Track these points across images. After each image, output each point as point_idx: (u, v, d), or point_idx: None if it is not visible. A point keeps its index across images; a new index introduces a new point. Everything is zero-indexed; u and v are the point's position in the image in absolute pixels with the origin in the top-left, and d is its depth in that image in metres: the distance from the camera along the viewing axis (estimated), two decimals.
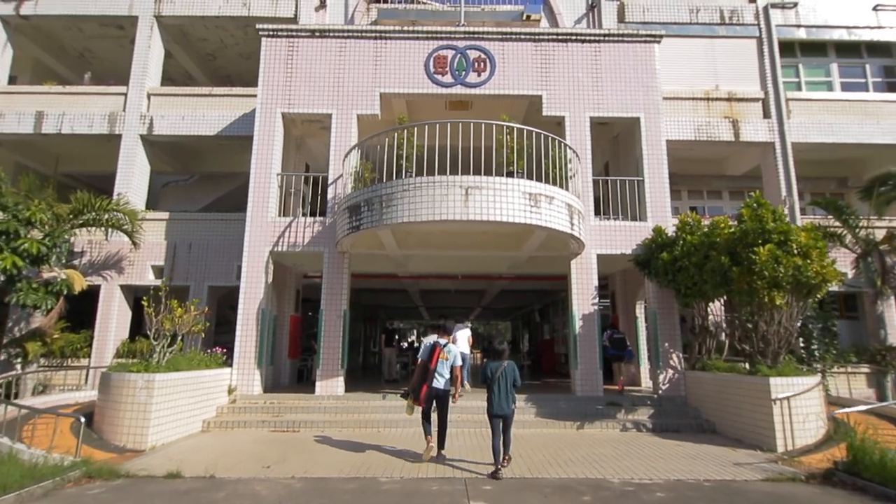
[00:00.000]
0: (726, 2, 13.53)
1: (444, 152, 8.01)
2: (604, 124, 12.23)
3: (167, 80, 14.69)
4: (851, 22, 13.41)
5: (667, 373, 9.48)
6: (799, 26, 13.46)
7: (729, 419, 7.93)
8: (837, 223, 10.76)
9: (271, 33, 10.70)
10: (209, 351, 9.36)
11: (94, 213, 10.17)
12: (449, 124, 8.31)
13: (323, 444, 7.19)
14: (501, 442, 5.90)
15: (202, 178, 15.71)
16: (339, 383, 9.30)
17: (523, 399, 9.15)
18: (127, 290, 11.87)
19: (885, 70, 13.74)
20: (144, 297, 7.87)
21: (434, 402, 6.35)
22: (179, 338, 7.84)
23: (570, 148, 9.15)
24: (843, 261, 11.02)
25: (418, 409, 6.42)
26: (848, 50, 13.69)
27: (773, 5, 13.42)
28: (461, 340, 10.58)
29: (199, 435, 7.89)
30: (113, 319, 11.49)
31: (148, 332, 7.77)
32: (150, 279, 11.70)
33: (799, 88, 13.49)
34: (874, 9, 13.45)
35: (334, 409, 8.75)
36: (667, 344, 9.57)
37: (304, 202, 11.46)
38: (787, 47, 13.49)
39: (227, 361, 9.41)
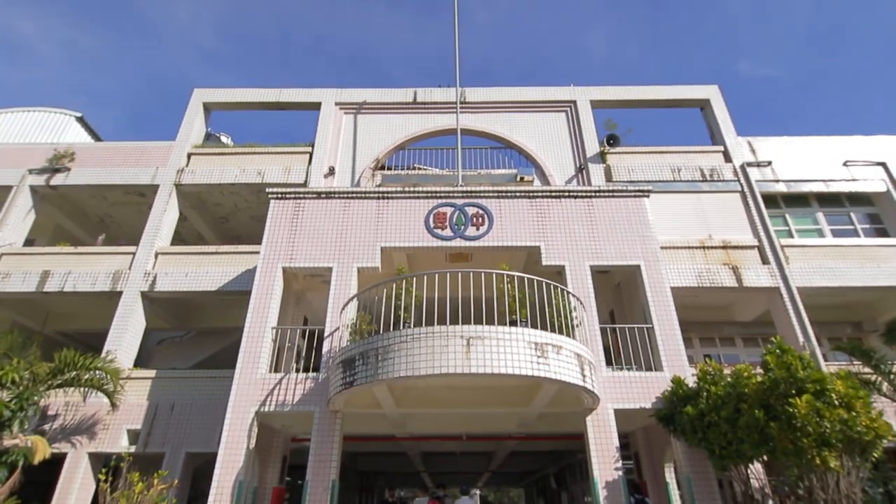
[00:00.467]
0: (705, 161, 14.60)
1: (444, 304, 7.77)
2: (605, 273, 12.27)
3: (179, 240, 15.29)
4: (827, 175, 14.28)
5: None
6: (777, 181, 14.29)
7: None
8: (867, 369, 10.02)
9: (279, 196, 11.32)
10: None
11: (74, 373, 9.60)
12: (448, 274, 8.22)
13: None
14: None
15: (199, 334, 15.38)
16: None
17: None
18: (96, 458, 10.71)
19: (870, 217, 14.24)
20: (103, 470, 6.95)
21: None
22: None
23: (573, 295, 8.93)
24: (886, 412, 10.01)
25: None
26: (830, 200, 14.36)
27: (749, 164, 14.44)
28: None
29: None
30: (73, 493, 10.16)
31: None
32: (122, 445, 10.64)
33: (790, 236, 13.82)
34: (844, 164, 14.43)
35: None
36: None
37: (300, 357, 10.92)
38: (771, 199, 14.16)
39: None
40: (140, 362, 12.55)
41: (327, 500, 8.25)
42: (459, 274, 8.11)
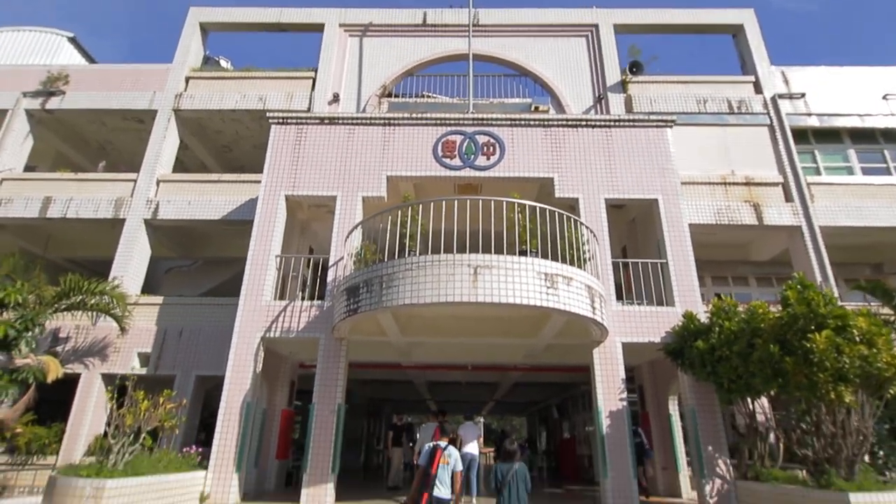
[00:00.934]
0: (733, 92, 13.68)
1: (451, 234, 7.46)
2: (619, 207, 11.83)
3: (182, 170, 14.90)
4: (863, 110, 13.37)
5: (713, 483, 8.05)
6: (810, 114, 13.43)
7: None
8: (887, 310, 9.75)
9: (281, 120, 10.80)
10: (185, 450, 8.25)
11: (80, 297, 9.60)
12: (456, 202, 7.86)
13: None
14: None
15: (205, 264, 15.37)
16: (327, 491, 8.00)
17: None
18: (109, 379, 10.93)
19: None
20: (108, 388, 7.02)
21: None
22: (143, 435, 6.83)
23: (587, 227, 8.58)
24: None
25: None
26: (863, 137, 13.52)
27: (781, 96, 13.52)
28: (470, 441, 9.64)
29: None
30: (89, 412, 10.47)
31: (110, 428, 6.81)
32: (134, 367, 10.85)
33: (818, 173, 13.14)
34: (884, 97, 13.47)
35: None
36: (710, 448, 8.24)
37: (305, 286, 10.84)
38: (801, 134, 13.36)
39: (203, 463, 8.24)
40: (148, 290, 12.61)
41: (333, 423, 8.39)
42: (468, 202, 7.75)
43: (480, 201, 7.80)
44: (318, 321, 9.07)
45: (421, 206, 7.90)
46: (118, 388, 7.81)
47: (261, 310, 9.20)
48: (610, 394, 8.58)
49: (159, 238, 12.94)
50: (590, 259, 8.58)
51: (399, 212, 8.00)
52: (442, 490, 5.62)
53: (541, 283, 6.99)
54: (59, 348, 11.02)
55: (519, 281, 6.89)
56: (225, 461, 8.22)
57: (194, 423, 10.88)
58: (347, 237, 8.90)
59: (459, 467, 5.84)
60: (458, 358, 10.98)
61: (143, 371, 10.87)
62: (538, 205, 7.79)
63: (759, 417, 8.28)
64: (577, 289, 7.34)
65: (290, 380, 11.15)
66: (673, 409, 10.26)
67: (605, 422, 8.39)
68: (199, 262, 15.48)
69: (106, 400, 10.83)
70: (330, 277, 9.36)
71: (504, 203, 7.64)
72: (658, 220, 9.96)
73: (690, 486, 9.68)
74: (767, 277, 14.22)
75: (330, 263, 9.44)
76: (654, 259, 9.80)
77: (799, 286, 7.02)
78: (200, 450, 8.34)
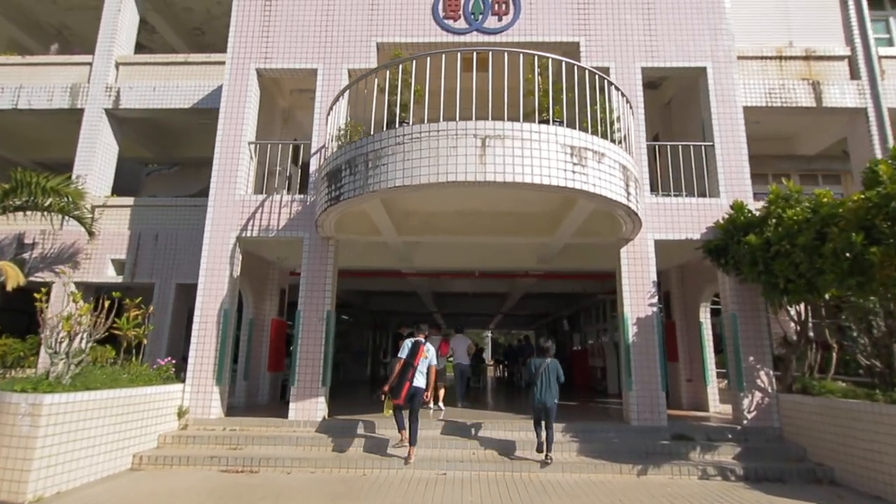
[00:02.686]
0: None
1: (454, 100, 5.92)
2: (653, 87, 10.06)
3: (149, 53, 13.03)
4: None
5: (752, 396, 7.10)
6: None
7: (857, 465, 5.54)
8: None
9: None
10: (158, 362, 7.40)
11: (30, 196, 8.36)
12: (460, 56, 6.21)
13: (287, 498, 5.05)
14: (545, 435, 6.17)
15: (187, 166, 13.98)
16: (318, 405, 7.19)
17: (560, 429, 6.91)
18: (85, 288, 10.03)
19: None
20: (41, 290, 5.98)
21: (411, 399, 6.23)
22: (88, 344, 5.85)
23: (621, 92, 6.91)
24: None
25: None
26: None
27: None
28: (460, 352, 10.00)
29: (123, 476, 5.85)
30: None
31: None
32: (109, 275, 9.86)
33: (891, 44, 11.04)
34: None
35: (309, 439, 6.64)
36: (752, 358, 7.21)
37: (290, 183, 9.50)
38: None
39: (181, 376, 7.42)
40: (128, 195, 11.34)
41: (322, 332, 7.42)
42: (475, 55, 6.08)
43: (490, 59, 6.14)
44: (302, 218, 7.82)
45: (415, 62, 6.26)
46: (96, 298, 6.87)
47: (234, 205, 7.93)
48: (638, 299, 7.43)
49: (128, 134, 11.45)
50: (623, 139, 7.02)
51: (388, 73, 6.40)
52: (420, 380, 6.29)
53: (566, 159, 5.55)
54: (25, 255, 10.00)
55: (538, 156, 5.45)
56: (203, 373, 7.38)
57: (179, 335, 10.06)
58: (330, 110, 7.32)
59: (434, 362, 6.55)
60: (464, 263, 9.83)
61: (120, 279, 9.90)
62: (565, 59, 6.11)
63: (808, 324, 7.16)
64: (609, 168, 5.89)
65: (280, 288, 10.16)
66: (703, 317, 9.18)
67: (631, 330, 7.32)
68: (179, 166, 14.07)
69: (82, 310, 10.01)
70: (313, 167, 7.97)
71: (520, 58, 5.96)
72: (704, 94, 8.26)
73: (719, 400, 8.84)
74: (813, 174, 12.57)
75: (312, 151, 8.01)
76: (696, 142, 8.21)
77: (891, 160, 5.52)
78: (174, 361, 7.48)
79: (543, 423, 6.16)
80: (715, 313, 9.53)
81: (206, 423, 7.14)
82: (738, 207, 7.18)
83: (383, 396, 6.27)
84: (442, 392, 9.27)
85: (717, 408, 8.76)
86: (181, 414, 7.15)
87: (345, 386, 13.54)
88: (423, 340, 6.49)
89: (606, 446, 6.54)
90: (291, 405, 7.19)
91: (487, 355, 37.03)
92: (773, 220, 6.65)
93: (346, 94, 7.26)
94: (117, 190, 10.72)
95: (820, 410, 6.25)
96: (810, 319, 7.24)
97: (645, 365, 7.18)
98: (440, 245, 9.26)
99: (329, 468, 6.07)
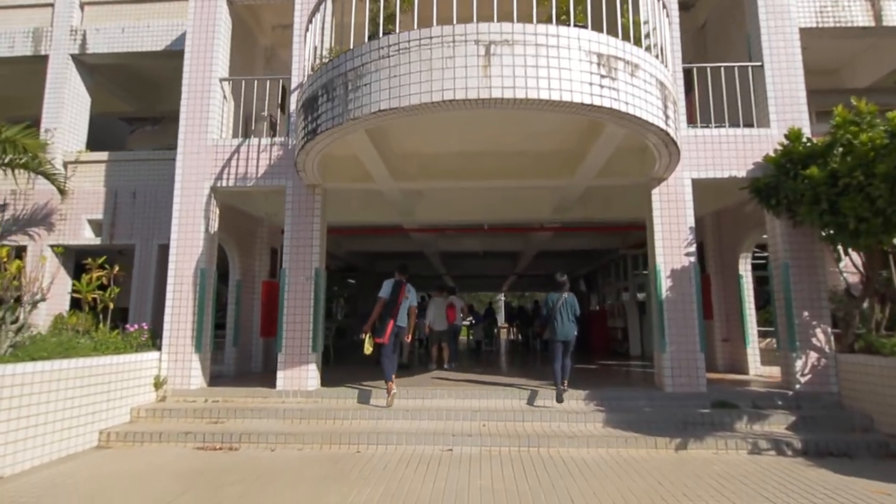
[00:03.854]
0: None
1: (450, 2, 4.78)
2: (686, 9, 8.75)
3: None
4: None
5: (807, 357, 6.14)
6: None
7: None
8: None
9: None
10: (126, 328, 6.63)
11: None
12: None
13: (264, 481, 4.28)
14: (561, 366, 6.09)
15: (170, 120, 12.92)
16: (309, 374, 6.40)
17: (583, 397, 6.07)
18: (65, 252, 9.28)
19: None
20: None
21: (395, 338, 6.27)
22: (26, 308, 5.05)
23: None
24: None
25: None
26: None
27: None
28: (457, 311, 9.91)
29: (86, 455, 5.14)
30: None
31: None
32: (86, 237, 9.06)
33: None
34: None
35: (298, 412, 5.88)
36: (807, 314, 6.20)
37: (274, 128, 8.48)
38: None
39: (157, 343, 6.67)
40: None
41: (311, 293, 6.56)
42: None
43: None
44: (284, 164, 6.85)
45: None
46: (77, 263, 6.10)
47: (207, 152, 6.97)
48: (672, 248, 6.41)
49: (102, 84, 10.45)
50: (660, 53, 5.83)
51: None
52: (403, 319, 6.32)
53: (591, 70, 4.45)
54: None
55: (557, 65, 4.35)
56: (181, 340, 6.60)
57: (162, 301, 9.33)
58: (307, 30, 6.17)
59: (415, 303, 6.62)
60: (472, 214, 8.82)
61: (98, 241, 9.11)
62: None
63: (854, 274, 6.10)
64: (644, 83, 4.77)
65: (271, 247, 9.30)
66: (743, 269, 8.14)
67: (664, 284, 6.34)
68: (165, 120, 13.07)
69: (62, 273, 9.28)
70: (293, 106, 6.93)
71: None
72: (751, 6, 6.97)
73: (760, 362, 7.90)
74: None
75: (293, 86, 6.95)
76: (740, 62, 6.98)
77: None
78: (147, 327, 6.71)
79: (562, 355, 6.10)
80: (756, 268, 8.49)
81: (185, 394, 6.42)
82: (794, 136, 6.03)
83: (364, 336, 6.20)
84: (446, 353, 9.39)
85: (758, 370, 7.83)
86: (158, 385, 6.43)
87: (351, 350, 12.88)
88: (404, 280, 6.43)
89: (637, 416, 5.67)
90: (279, 374, 6.41)
91: (501, 318, 36.50)
92: (841, 149, 5.53)
93: (327, 7, 6.12)
94: (100, 150, 9.80)
95: (891, 373, 5.28)
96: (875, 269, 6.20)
97: (681, 323, 6.23)
98: (443, 194, 8.29)
99: (319, 444, 5.31)
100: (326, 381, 6.94)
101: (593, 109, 4.49)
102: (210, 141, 6.98)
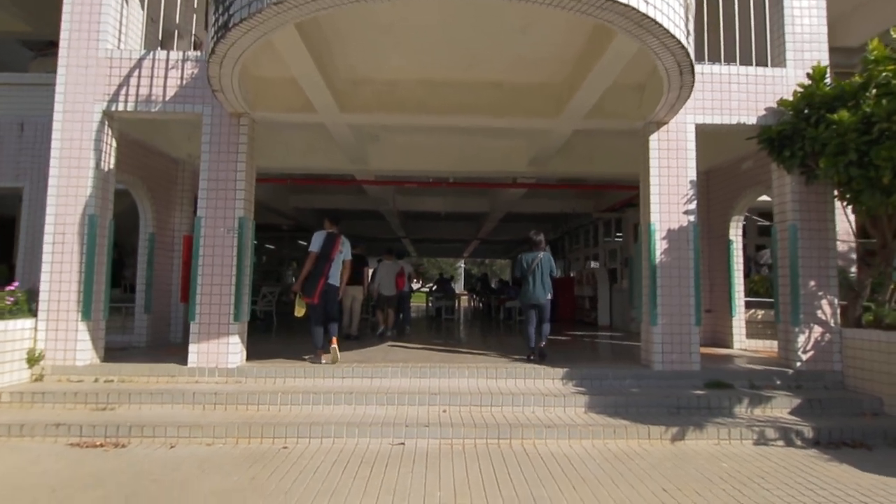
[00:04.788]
0: None
1: None
2: None
3: None
4: None
5: (810, 331, 5.43)
6: None
7: None
8: None
9: None
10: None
11: None
12: None
13: (134, 499, 3.12)
14: (536, 330, 5.88)
15: None
16: (230, 348, 5.19)
17: (560, 376, 5.18)
18: None
19: None
20: None
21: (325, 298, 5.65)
22: None
23: None
24: None
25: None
26: None
27: None
28: (407, 276, 8.98)
29: None
30: None
31: None
32: None
33: None
34: None
35: (212, 395, 4.69)
36: (812, 283, 5.47)
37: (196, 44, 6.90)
38: None
39: (34, 308, 5.26)
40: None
41: (233, 248, 5.28)
42: None
43: None
44: (201, 86, 5.40)
45: None
46: None
47: (98, 66, 5.43)
48: (671, 204, 5.49)
49: None
50: None
51: None
52: (335, 276, 5.71)
53: None
54: None
55: None
56: (64, 305, 5.21)
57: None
58: None
59: (350, 257, 6.01)
60: (436, 165, 7.62)
61: None
62: None
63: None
64: None
65: (193, 195, 7.79)
66: (734, 234, 7.38)
67: (659, 245, 5.43)
68: None
69: None
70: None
71: None
72: None
73: (746, 335, 7.25)
74: (850, 72, 10.61)
75: None
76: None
77: None
78: (17, 287, 5.28)
79: (536, 322, 5.88)
80: (746, 233, 7.78)
81: (70, 371, 5.10)
82: (819, 74, 5.13)
83: (293, 296, 5.78)
84: (391, 317, 8.52)
85: (743, 344, 7.19)
86: (33, 360, 5.07)
87: (301, 321, 11.64)
88: (337, 232, 5.86)
89: (625, 399, 4.82)
90: (191, 348, 5.17)
91: (459, 286, 35.76)
92: (875, 90, 4.66)
93: None
94: None
95: None
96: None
97: (676, 291, 5.38)
98: (402, 138, 7.09)
99: (234, 438, 4.17)
100: (257, 354, 5.78)
101: (606, 7, 3.35)
102: (103, 52, 5.42)
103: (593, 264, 12.77)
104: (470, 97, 5.47)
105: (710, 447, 4.25)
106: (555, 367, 5.32)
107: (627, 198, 9.56)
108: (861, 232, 6.22)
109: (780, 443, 4.34)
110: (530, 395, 4.82)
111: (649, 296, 5.42)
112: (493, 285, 15.94)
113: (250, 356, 5.59)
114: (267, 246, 17.72)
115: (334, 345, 5.47)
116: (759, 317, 7.65)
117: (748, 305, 7.49)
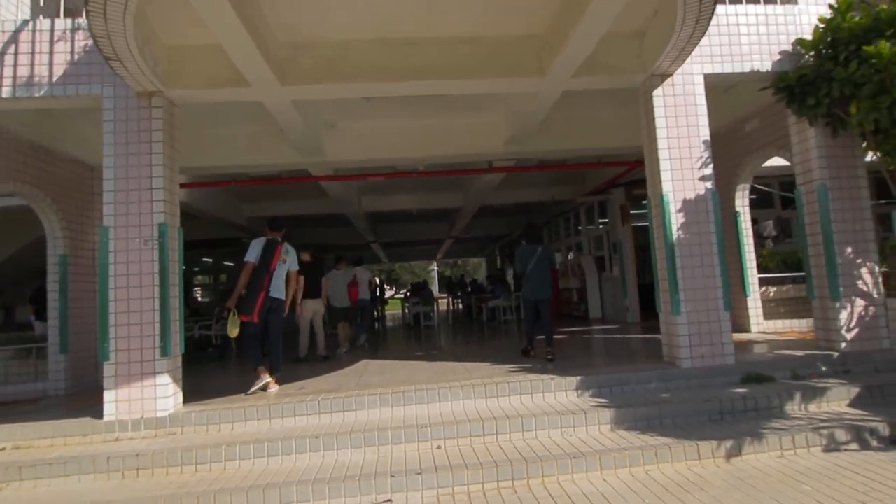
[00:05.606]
0: None
1: None
2: None
3: None
4: None
5: (852, 306, 4.69)
6: None
7: None
8: None
9: None
10: None
11: None
12: None
13: None
14: (539, 328, 5.57)
15: None
16: (158, 391, 4.06)
17: (574, 387, 4.28)
18: None
19: None
20: None
21: (267, 316, 4.89)
22: None
23: None
24: None
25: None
26: None
27: None
28: (363, 285, 8.27)
29: None
30: None
31: None
32: None
33: None
34: None
35: (134, 458, 3.56)
36: (849, 250, 4.73)
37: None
38: None
39: None
40: None
41: (154, 263, 4.15)
42: None
43: None
44: (98, 60, 4.24)
45: None
46: None
47: None
48: (684, 170, 4.66)
49: None
50: None
51: None
52: (279, 290, 4.96)
53: None
54: None
55: None
56: None
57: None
58: None
59: (296, 267, 5.26)
60: (403, 150, 6.61)
61: None
62: None
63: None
64: None
65: None
66: (740, 204, 6.66)
67: (674, 220, 4.59)
68: None
69: None
70: None
71: None
72: None
73: (763, 316, 6.53)
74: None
75: None
76: None
77: None
78: None
79: (536, 318, 5.59)
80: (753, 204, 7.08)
81: None
82: (843, 4, 4.38)
83: (227, 313, 4.91)
84: (346, 331, 7.61)
85: (761, 326, 6.46)
86: None
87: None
88: (280, 239, 5.10)
89: (657, 410, 3.93)
90: (107, 396, 4.01)
91: (435, 289, 34.65)
92: None
93: None
94: None
95: None
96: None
97: (699, 272, 4.54)
98: (363, 120, 6.07)
99: None
100: (201, 393, 4.66)
101: None
102: None
103: (571, 255, 12.01)
104: (437, 57, 4.52)
105: (775, 461, 3.40)
106: (565, 376, 4.41)
107: (611, 178, 8.80)
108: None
109: (854, 446, 3.54)
110: (543, 415, 3.88)
111: (668, 280, 4.57)
112: (468, 288, 15.05)
113: (191, 397, 4.46)
114: (226, 263, 16.33)
115: (264, 377, 4.70)
116: (772, 294, 6.94)
117: (763, 283, 6.78)
